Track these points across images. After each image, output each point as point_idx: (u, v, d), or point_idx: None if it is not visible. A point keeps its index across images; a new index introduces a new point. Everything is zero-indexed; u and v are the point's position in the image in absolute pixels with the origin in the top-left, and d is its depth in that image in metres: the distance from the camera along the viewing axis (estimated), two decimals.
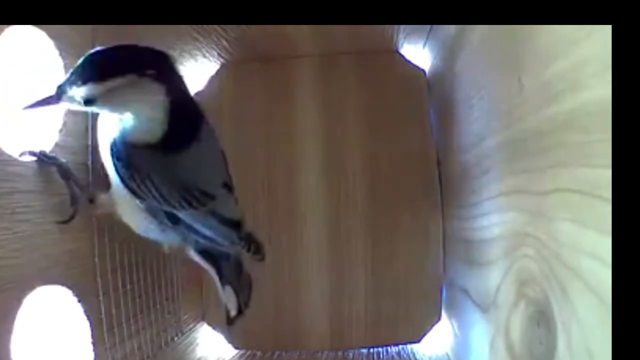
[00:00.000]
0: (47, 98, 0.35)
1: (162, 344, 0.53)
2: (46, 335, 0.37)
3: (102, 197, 0.41)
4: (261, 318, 0.61)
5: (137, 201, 0.39)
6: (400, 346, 0.60)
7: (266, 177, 0.62)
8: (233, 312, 0.47)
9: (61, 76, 0.39)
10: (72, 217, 0.38)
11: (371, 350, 0.60)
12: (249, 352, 0.61)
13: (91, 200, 0.40)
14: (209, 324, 0.62)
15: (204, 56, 0.60)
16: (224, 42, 0.57)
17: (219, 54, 0.60)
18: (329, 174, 0.62)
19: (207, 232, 0.42)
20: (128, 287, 0.47)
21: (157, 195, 0.39)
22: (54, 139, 0.39)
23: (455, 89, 0.47)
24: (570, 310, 0.22)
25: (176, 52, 0.56)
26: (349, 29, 0.55)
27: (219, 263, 0.46)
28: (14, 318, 0.32)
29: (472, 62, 0.40)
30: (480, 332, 0.41)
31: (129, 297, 0.47)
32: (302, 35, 0.57)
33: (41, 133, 0.38)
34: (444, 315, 0.59)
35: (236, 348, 0.62)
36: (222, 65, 0.63)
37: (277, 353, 0.60)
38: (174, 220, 0.41)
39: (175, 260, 0.57)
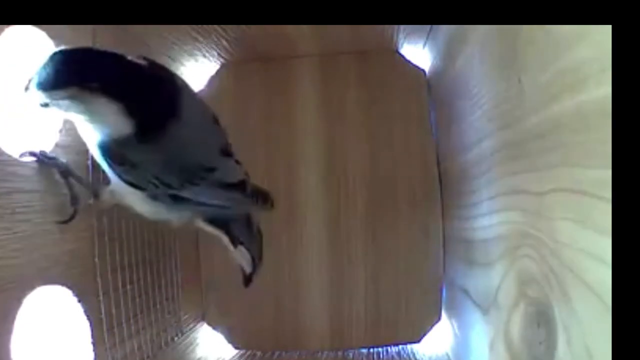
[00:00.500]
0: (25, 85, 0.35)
1: (162, 344, 0.53)
2: (46, 335, 0.37)
3: (106, 191, 0.41)
4: (261, 318, 0.61)
5: (139, 192, 0.39)
6: (400, 346, 0.60)
7: (266, 177, 0.62)
8: (248, 270, 0.47)
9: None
10: (72, 217, 0.38)
11: (371, 350, 0.60)
12: (249, 352, 0.61)
13: (96, 195, 0.40)
14: (209, 324, 0.63)
15: (204, 56, 0.60)
16: (224, 42, 0.57)
17: (219, 54, 0.60)
18: (329, 174, 0.62)
19: (214, 202, 0.42)
20: (128, 287, 0.47)
21: (156, 182, 0.39)
22: (54, 139, 0.39)
23: (455, 89, 0.47)
24: (570, 310, 0.22)
25: (176, 52, 0.56)
26: (349, 29, 0.55)
27: (229, 225, 0.46)
28: (14, 318, 0.32)
29: (472, 62, 0.40)
30: (480, 332, 0.41)
31: (129, 297, 0.47)
32: (302, 35, 0.57)
33: (41, 133, 0.38)
34: (444, 315, 0.59)
35: (236, 348, 0.62)
36: (222, 65, 0.63)
37: (277, 353, 0.61)
38: (179, 199, 0.41)
39: (175, 260, 0.57)
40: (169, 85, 0.39)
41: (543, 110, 0.25)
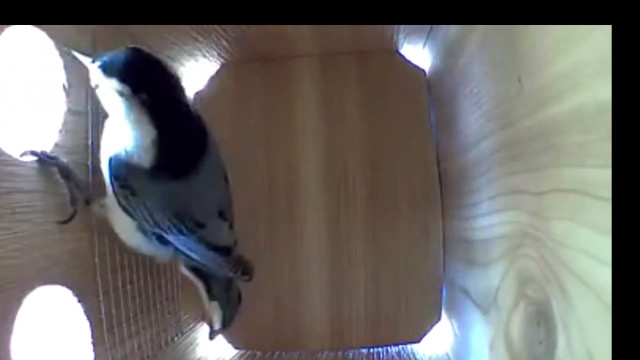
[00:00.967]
0: (91, 55, 0.37)
1: (162, 344, 0.53)
2: (46, 335, 0.37)
3: (96, 205, 0.41)
4: (261, 318, 0.61)
5: (129, 218, 0.40)
6: (400, 346, 0.60)
7: (266, 177, 0.62)
8: (217, 326, 0.47)
9: (61, 76, 0.39)
10: (72, 217, 0.38)
11: (371, 350, 0.60)
12: (249, 352, 0.61)
13: (87, 202, 0.40)
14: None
15: (204, 56, 0.60)
16: (224, 42, 0.57)
17: (219, 54, 0.60)
18: (329, 174, 0.62)
19: (194, 256, 0.43)
20: (128, 287, 0.47)
21: (148, 218, 0.39)
22: (54, 139, 0.39)
23: (455, 89, 0.47)
24: (570, 310, 0.22)
25: (176, 52, 0.56)
26: (349, 29, 0.55)
27: (208, 279, 0.46)
28: (14, 318, 0.32)
29: (472, 62, 0.40)
30: (480, 332, 0.41)
31: (129, 297, 0.47)
32: (302, 35, 0.57)
33: (41, 133, 0.38)
34: (444, 315, 0.59)
35: (236, 348, 0.62)
36: (222, 65, 0.63)
37: (277, 353, 0.60)
38: (162, 241, 0.41)
39: (175, 261, 0.57)
40: (201, 137, 0.40)
41: (543, 110, 0.25)
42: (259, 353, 0.61)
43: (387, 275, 0.61)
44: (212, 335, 0.49)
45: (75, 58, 0.38)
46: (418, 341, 0.60)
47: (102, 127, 0.40)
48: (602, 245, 0.19)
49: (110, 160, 0.38)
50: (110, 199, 0.39)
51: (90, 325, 0.40)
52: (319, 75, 0.63)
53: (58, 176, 0.38)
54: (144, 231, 0.41)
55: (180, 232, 0.40)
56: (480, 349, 0.41)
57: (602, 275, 0.19)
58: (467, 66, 0.42)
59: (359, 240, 0.61)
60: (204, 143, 0.40)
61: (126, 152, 0.37)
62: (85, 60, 0.37)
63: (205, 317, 0.62)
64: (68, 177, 0.38)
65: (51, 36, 0.38)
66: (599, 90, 0.19)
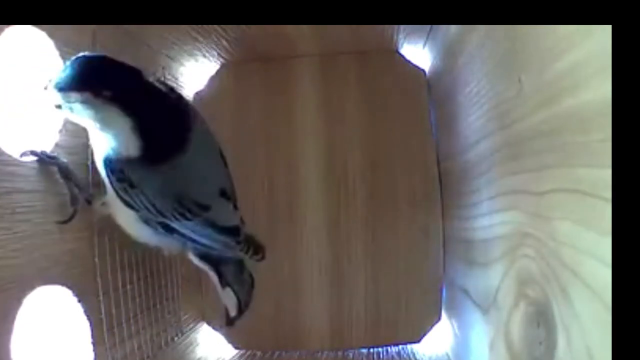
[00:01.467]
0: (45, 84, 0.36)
1: (162, 344, 0.53)
2: (46, 335, 0.37)
3: (98, 203, 0.41)
4: (261, 318, 0.61)
5: (132, 212, 0.40)
6: (400, 346, 0.60)
7: (266, 177, 0.62)
8: (233, 313, 0.47)
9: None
10: (72, 217, 0.38)
11: (371, 350, 0.60)
12: (249, 352, 0.61)
13: (89, 202, 0.40)
14: (209, 324, 0.62)
15: (204, 56, 0.60)
16: (224, 42, 0.57)
17: (219, 54, 0.60)
18: (329, 173, 0.62)
19: (203, 240, 0.42)
20: (128, 287, 0.47)
21: (150, 207, 0.39)
22: (54, 139, 0.39)
23: (455, 89, 0.47)
24: (570, 310, 0.22)
25: (176, 52, 0.56)
26: (349, 29, 0.55)
27: (219, 265, 0.46)
28: (14, 318, 0.32)
29: (472, 62, 0.40)
30: (480, 332, 0.41)
31: (129, 297, 0.47)
32: (302, 35, 0.57)
33: (41, 133, 0.38)
34: (444, 315, 0.59)
35: (236, 348, 0.62)
36: (222, 65, 0.63)
37: (277, 353, 0.60)
38: (169, 229, 0.41)
39: (175, 260, 0.57)
40: (183, 115, 0.40)
41: (543, 110, 0.25)
42: (259, 353, 0.61)
43: (387, 275, 0.61)
44: (229, 323, 0.48)
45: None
46: (418, 341, 0.60)
47: None
48: (602, 245, 0.19)
49: (104, 161, 0.38)
50: (111, 196, 0.39)
51: (90, 325, 0.40)
52: (319, 75, 0.63)
53: (58, 176, 0.38)
54: (148, 222, 0.40)
55: (184, 216, 0.40)
56: (480, 349, 0.41)
57: (603, 276, 0.19)
58: (467, 66, 0.42)
59: (359, 240, 0.61)
60: (186, 121, 0.40)
61: (113, 150, 0.37)
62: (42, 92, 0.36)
63: (206, 310, 0.62)
64: (68, 177, 0.38)
65: (51, 36, 0.38)
66: (599, 90, 0.19)
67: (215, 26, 0.52)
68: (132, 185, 0.38)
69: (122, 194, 0.38)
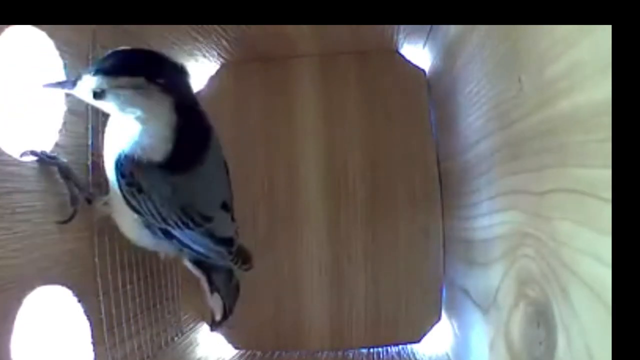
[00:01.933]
0: (64, 82, 0.36)
1: (162, 344, 0.53)
2: (46, 335, 0.37)
3: (99, 203, 0.41)
4: (261, 318, 0.61)
5: (135, 215, 0.40)
6: (400, 346, 0.60)
7: (266, 177, 0.62)
8: (218, 317, 0.48)
9: (61, 76, 0.39)
10: (72, 217, 0.38)
11: (371, 350, 0.60)
12: (249, 352, 0.61)
13: (89, 202, 0.40)
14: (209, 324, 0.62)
15: (204, 56, 0.60)
16: (224, 42, 0.57)
17: (219, 54, 0.60)
18: (329, 174, 0.62)
19: (200, 249, 0.43)
20: (128, 287, 0.47)
21: (155, 214, 0.39)
22: (54, 139, 0.39)
23: (455, 89, 0.47)
24: (570, 310, 0.22)
25: (176, 52, 0.56)
26: (349, 29, 0.55)
27: (211, 272, 0.47)
28: (14, 318, 0.32)
29: (472, 62, 0.40)
30: (480, 332, 0.41)
31: (129, 297, 0.47)
32: (302, 35, 0.57)
33: (41, 133, 0.38)
34: (444, 315, 0.59)
35: (236, 348, 0.62)
36: (222, 65, 0.63)
37: (277, 353, 0.60)
38: (169, 235, 0.41)
39: (175, 261, 0.57)
40: (208, 127, 0.41)
41: (543, 110, 0.25)
42: (259, 353, 0.61)
43: (387, 275, 0.61)
44: (213, 327, 0.49)
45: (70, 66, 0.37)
46: (418, 341, 0.60)
47: (102, 127, 0.40)
48: (602, 245, 0.19)
49: (118, 158, 0.37)
50: (116, 197, 0.39)
51: (90, 325, 0.40)
52: (319, 75, 0.63)
53: (58, 176, 0.38)
54: (149, 227, 0.41)
55: (187, 226, 0.40)
56: (480, 349, 0.41)
57: (602, 275, 0.19)
58: (467, 66, 0.42)
59: (359, 240, 0.61)
60: (209, 132, 0.40)
61: (141, 147, 0.36)
62: (67, 85, 0.36)
63: (206, 311, 0.62)
64: (68, 177, 0.38)
65: (51, 36, 0.38)
66: (599, 90, 0.19)
67: (215, 26, 0.52)
68: (140, 191, 0.38)
69: (129, 197, 0.38)
